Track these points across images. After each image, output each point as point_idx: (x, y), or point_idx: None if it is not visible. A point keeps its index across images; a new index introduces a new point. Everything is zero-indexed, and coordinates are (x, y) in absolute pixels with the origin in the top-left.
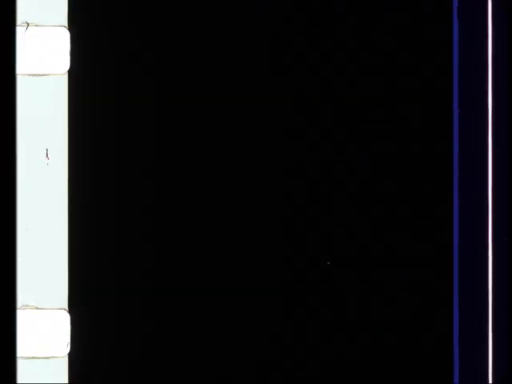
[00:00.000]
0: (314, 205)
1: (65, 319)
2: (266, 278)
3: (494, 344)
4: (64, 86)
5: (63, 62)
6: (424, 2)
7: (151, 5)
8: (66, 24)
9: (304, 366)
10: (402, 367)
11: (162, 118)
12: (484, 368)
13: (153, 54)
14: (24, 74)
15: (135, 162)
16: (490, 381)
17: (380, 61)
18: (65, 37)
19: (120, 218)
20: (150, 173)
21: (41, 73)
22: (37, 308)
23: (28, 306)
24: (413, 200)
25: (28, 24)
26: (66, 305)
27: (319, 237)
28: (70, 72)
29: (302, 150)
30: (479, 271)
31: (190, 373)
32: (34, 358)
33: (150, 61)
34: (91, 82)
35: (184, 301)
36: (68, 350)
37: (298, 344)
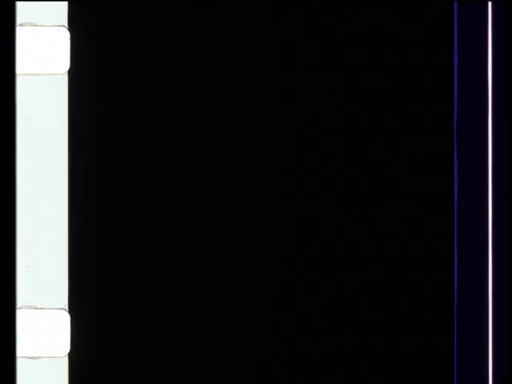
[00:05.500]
0: (313, 205)
1: (65, 319)
2: (265, 278)
3: (493, 344)
4: (64, 86)
5: (63, 61)
6: (424, 3)
7: (151, 4)
8: (65, 24)
9: (304, 366)
10: (401, 368)
11: (162, 117)
12: (484, 369)
13: (153, 54)
14: (24, 74)
15: (135, 161)
16: (490, 382)
17: (380, 61)
18: (65, 37)
19: (120, 218)
20: (150, 172)
21: (41, 73)
22: (37, 308)
23: (28, 306)
24: (413, 200)
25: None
26: (66, 305)
27: (319, 237)
28: (70, 72)
29: (302, 149)
30: (479, 271)
31: (191, 373)
32: (33, 357)
33: (150, 61)
34: (91, 82)
35: (184, 301)
36: (68, 349)
37: (297, 344)
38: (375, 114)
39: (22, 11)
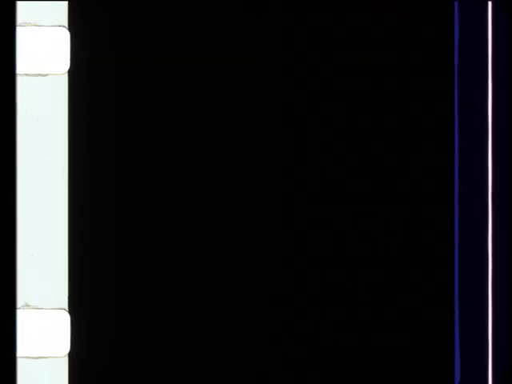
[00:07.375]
0: (313, 205)
1: (65, 319)
2: (266, 277)
3: (493, 344)
4: (64, 86)
5: (63, 61)
6: (424, 3)
7: (151, 4)
8: (66, 24)
9: (304, 366)
10: (401, 367)
11: (162, 117)
12: (484, 368)
13: (153, 54)
14: (24, 74)
15: (135, 162)
16: (490, 381)
17: (380, 61)
18: (65, 37)
19: (120, 217)
20: (150, 173)
21: (41, 73)
22: (37, 308)
23: (28, 305)
24: (413, 200)
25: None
26: (66, 305)
27: (319, 237)
28: (70, 72)
29: (302, 149)
30: (479, 271)
31: (190, 373)
32: (33, 357)
33: (150, 61)
34: (91, 82)
35: (184, 301)
36: (68, 349)
37: (297, 344)
38: (375, 114)
39: (22, 11)
